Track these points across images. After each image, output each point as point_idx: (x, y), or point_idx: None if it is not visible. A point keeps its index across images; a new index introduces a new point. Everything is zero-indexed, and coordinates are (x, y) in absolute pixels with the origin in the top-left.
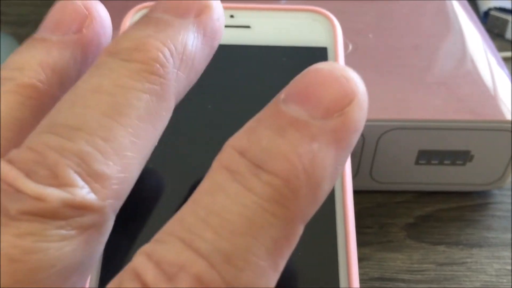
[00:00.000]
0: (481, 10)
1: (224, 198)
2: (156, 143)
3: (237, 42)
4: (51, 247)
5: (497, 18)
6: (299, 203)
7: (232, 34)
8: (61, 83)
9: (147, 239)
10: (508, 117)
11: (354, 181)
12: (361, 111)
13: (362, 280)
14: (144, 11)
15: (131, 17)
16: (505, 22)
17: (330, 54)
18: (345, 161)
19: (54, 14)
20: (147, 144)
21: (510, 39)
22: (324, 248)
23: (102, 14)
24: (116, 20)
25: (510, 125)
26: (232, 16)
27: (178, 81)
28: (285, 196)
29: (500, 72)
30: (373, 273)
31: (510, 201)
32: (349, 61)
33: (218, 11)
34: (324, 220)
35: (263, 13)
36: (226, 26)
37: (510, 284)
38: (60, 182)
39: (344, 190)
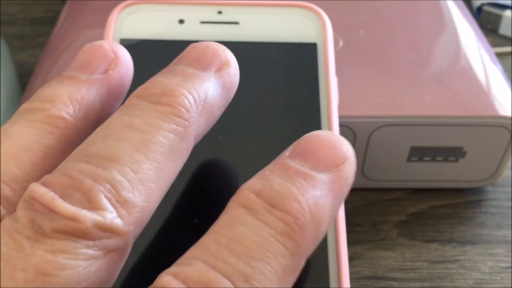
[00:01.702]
0: (474, 6)
1: (243, 229)
2: (174, 179)
3: (226, 38)
4: (80, 265)
5: (490, 14)
6: (304, 238)
7: (220, 31)
8: (86, 117)
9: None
10: (501, 113)
11: None
12: (352, 169)
13: (354, 279)
14: (129, 8)
15: (117, 14)
16: (498, 17)
17: (320, 50)
18: (339, 208)
19: (83, 55)
20: (168, 179)
21: (504, 34)
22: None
23: (127, 58)
24: (105, 17)
25: (503, 120)
26: (220, 12)
27: (199, 125)
28: (295, 231)
29: (493, 68)
30: (365, 272)
31: (503, 197)
32: (340, 57)
33: (235, 67)
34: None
35: (252, 9)
36: (214, 23)
37: (503, 281)
38: (92, 206)
39: None
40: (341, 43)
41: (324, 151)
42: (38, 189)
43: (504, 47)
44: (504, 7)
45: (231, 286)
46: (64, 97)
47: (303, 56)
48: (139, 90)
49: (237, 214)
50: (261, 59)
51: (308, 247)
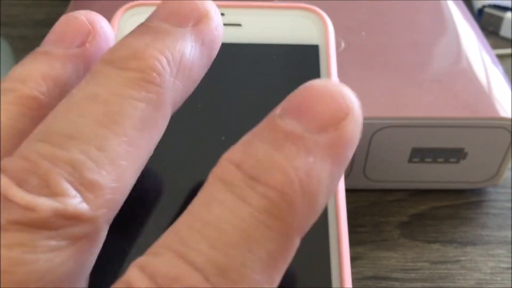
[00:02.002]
0: (476, 8)
1: (220, 210)
2: (152, 152)
3: (228, 40)
4: (40, 258)
5: (492, 15)
6: (295, 216)
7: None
8: (62, 96)
9: (139, 250)
10: (502, 114)
11: (348, 179)
12: (356, 125)
13: (356, 279)
14: (132, 10)
15: (120, 16)
16: (500, 19)
17: (321, 52)
18: (341, 175)
19: (57, 28)
20: (143, 153)
21: (505, 36)
22: (316, 248)
23: (106, 29)
24: (107, 19)
25: (504, 122)
26: (222, 14)
27: (175, 90)
28: (281, 209)
29: (494, 70)
30: (367, 272)
31: (504, 198)
32: (341, 59)
33: (216, 20)
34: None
35: (254, 11)
36: None
37: (504, 282)
38: (51, 191)
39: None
40: (342, 44)
41: (320, 106)
42: None
43: (505, 49)
44: (505, 9)
45: (203, 280)
46: (37, 75)
47: (305, 58)
48: (106, 53)
49: (215, 190)
50: (263, 61)
51: (301, 226)
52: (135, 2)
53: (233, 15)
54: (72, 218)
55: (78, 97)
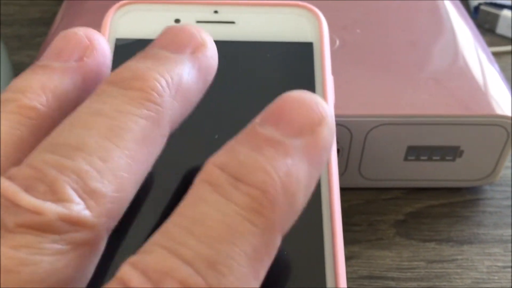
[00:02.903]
0: (472, 5)
1: (206, 208)
2: (150, 169)
3: (222, 38)
4: (44, 260)
5: (488, 13)
6: (276, 212)
7: (216, 30)
8: (60, 107)
9: (128, 252)
10: (498, 112)
11: (343, 178)
12: (330, 131)
13: (351, 279)
14: (124, 8)
15: (112, 15)
16: (496, 16)
17: (316, 49)
18: (318, 176)
19: (56, 43)
20: (142, 167)
21: (501, 33)
22: (310, 247)
23: (103, 44)
24: (101, 18)
25: (500, 119)
26: (216, 12)
27: (173, 109)
28: (264, 206)
29: (490, 68)
30: (362, 271)
31: (500, 196)
32: (336, 57)
33: (212, 50)
34: (310, 218)
35: (248, 9)
36: (210, 22)
37: (501, 281)
38: (57, 197)
39: (331, 187)
40: (337, 42)
41: (296, 114)
42: (2, 183)
43: (501, 47)
44: (501, 6)
45: (192, 272)
46: (37, 87)
47: (299, 56)
48: (110, 76)
49: (201, 192)
50: (257, 59)
51: (282, 223)
52: (127, 1)
53: (227, 13)
54: (75, 224)
55: (83, 112)
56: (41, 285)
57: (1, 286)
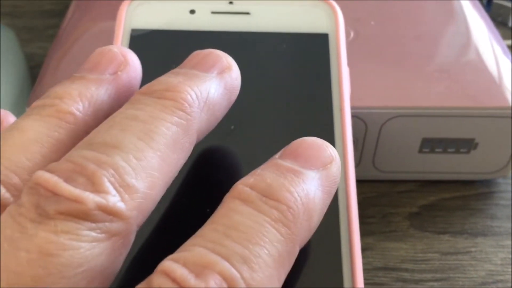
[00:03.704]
0: None
1: (239, 217)
2: (177, 173)
3: (237, 29)
4: (82, 246)
5: (501, 6)
6: (297, 226)
7: (231, 21)
8: (95, 114)
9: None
10: None
11: (357, 170)
12: (338, 169)
13: (365, 270)
14: (139, 1)
15: (127, 5)
16: (508, 10)
17: (331, 40)
18: (328, 203)
19: (93, 58)
20: (171, 169)
21: None
22: (327, 238)
23: (136, 61)
24: (114, 9)
25: None
26: (231, 3)
27: (201, 120)
28: (288, 219)
29: (505, 60)
30: (377, 263)
31: None
32: (350, 49)
33: (236, 72)
34: (327, 210)
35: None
36: (225, 13)
37: None
38: (95, 188)
39: (347, 179)
40: (351, 34)
41: (312, 152)
42: (43, 175)
43: None
44: None
45: (229, 266)
46: (74, 94)
47: (314, 47)
48: (143, 88)
49: (233, 205)
50: (272, 50)
51: (301, 236)
52: None
53: (242, 4)
54: (111, 214)
55: (120, 117)
56: (78, 269)
57: (42, 269)
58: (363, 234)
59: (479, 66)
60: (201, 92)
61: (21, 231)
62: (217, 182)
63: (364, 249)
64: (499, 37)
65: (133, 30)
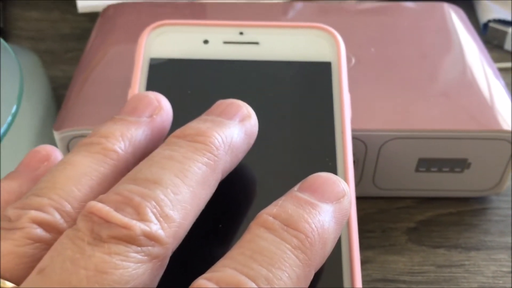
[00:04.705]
0: (481, 22)
1: (264, 243)
2: (204, 206)
3: (247, 57)
4: (130, 266)
5: (496, 30)
6: (313, 253)
7: (242, 50)
8: (133, 153)
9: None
10: (504, 127)
11: (358, 187)
12: (349, 203)
13: (365, 282)
14: (159, 30)
15: (147, 35)
16: (504, 33)
17: (334, 68)
18: (340, 233)
19: (132, 102)
20: (200, 203)
21: (509, 50)
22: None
23: (168, 105)
24: (132, 33)
25: (505, 134)
26: (241, 33)
27: (225, 161)
28: (306, 246)
29: (497, 84)
30: (376, 275)
31: (506, 206)
32: (352, 74)
33: (255, 120)
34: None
35: (271, 30)
36: (236, 43)
37: (505, 285)
38: (140, 218)
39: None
40: (353, 60)
41: (327, 187)
42: (95, 205)
43: (509, 62)
44: (509, 23)
45: (256, 286)
46: (117, 134)
47: (318, 74)
48: (177, 132)
49: (258, 232)
50: (279, 77)
51: (317, 261)
52: (160, 23)
53: (252, 34)
54: (153, 239)
55: (158, 157)
56: (126, 285)
57: (98, 284)
58: (364, 247)
59: (473, 90)
60: (226, 137)
61: (80, 252)
62: (228, 202)
63: (364, 262)
64: (491, 61)
65: (151, 59)
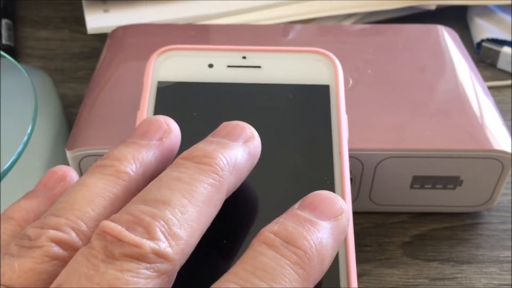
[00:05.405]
0: (475, 41)
1: (265, 259)
2: (209, 224)
3: (250, 81)
4: (140, 282)
5: (489, 49)
6: (312, 269)
7: (245, 74)
8: (144, 174)
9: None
10: (495, 147)
11: (355, 203)
12: (347, 220)
13: None
14: (166, 54)
15: (155, 59)
16: (497, 53)
17: (332, 91)
18: (337, 249)
19: (143, 126)
20: (206, 221)
21: (502, 68)
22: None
23: (176, 129)
24: (140, 53)
25: (495, 153)
26: (244, 57)
27: (230, 182)
28: (305, 262)
29: (487, 102)
30: None
31: (497, 221)
32: (349, 96)
33: (258, 141)
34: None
35: (273, 54)
36: (239, 67)
37: None
38: (150, 236)
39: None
40: (350, 82)
41: (326, 205)
42: (108, 224)
43: (502, 81)
44: (502, 43)
45: None
46: (129, 157)
47: (317, 97)
48: (185, 153)
49: (260, 249)
50: (281, 99)
51: (315, 277)
52: (168, 48)
53: (254, 58)
54: (161, 257)
55: (167, 178)
56: None
57: None
58: (361, 261)
59: (464, 110)
60: (231, 158)
61: (94, 269)
62: (232, 219)
63: (361, 275)
64: (482, 80)
65: (159, 82)
